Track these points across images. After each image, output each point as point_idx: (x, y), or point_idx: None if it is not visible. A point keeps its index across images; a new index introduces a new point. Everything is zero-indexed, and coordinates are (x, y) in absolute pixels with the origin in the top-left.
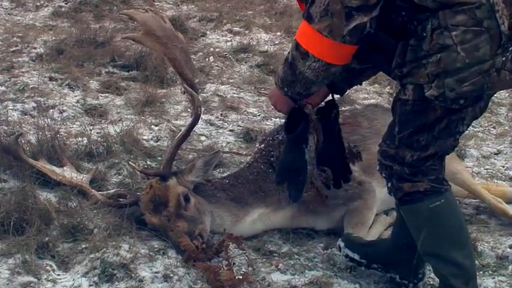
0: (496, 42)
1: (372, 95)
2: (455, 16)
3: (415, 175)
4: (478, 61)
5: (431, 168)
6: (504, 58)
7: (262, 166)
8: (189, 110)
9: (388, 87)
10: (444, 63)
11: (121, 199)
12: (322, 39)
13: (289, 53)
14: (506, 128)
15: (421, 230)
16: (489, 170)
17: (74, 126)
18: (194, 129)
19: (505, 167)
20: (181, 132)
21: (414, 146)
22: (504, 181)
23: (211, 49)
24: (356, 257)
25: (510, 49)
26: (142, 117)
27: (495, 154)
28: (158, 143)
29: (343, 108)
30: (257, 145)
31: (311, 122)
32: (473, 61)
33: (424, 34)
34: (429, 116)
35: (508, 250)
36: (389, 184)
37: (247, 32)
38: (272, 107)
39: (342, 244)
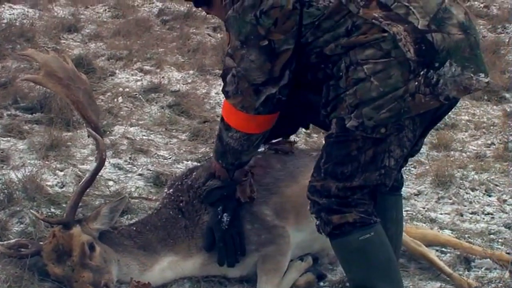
0: (406, 69)
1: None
2: (364, 51)
3: (344, 205)
4: (392, 88)
5: (359, 202)
6: (416, 83)
7: (171, 212)
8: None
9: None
10: (360, 94)
11: (22, 249)
12: (238, 113)
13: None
14: (427, 167)
15: (351, 263)
16: (409, 212)
17: None
18: (101, 173)
19: (426, 208)
20: (85, 178)
21: (339, 177)
22: (424, 223)
23: (120, 89)
24: None
25: (422, 73)
26: (47, 162)
27: (415, 195)
28: (63, 189)
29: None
30: (165, 190)
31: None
32: (387, 89)
33: (340, 74)
34: (352, 146)
35: None
36: (318, 221)
37: (158, 70)
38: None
39: None
